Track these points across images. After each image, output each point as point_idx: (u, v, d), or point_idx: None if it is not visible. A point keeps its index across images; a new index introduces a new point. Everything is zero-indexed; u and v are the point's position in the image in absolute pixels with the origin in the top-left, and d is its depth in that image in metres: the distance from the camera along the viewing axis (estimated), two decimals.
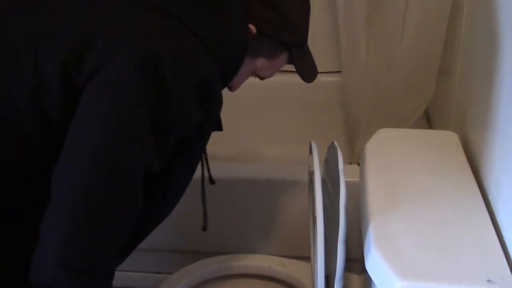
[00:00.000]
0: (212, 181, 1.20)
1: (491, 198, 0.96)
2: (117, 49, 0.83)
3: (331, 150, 1.09)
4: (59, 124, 0.84)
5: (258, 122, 2.04)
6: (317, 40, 1.82)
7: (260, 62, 1.03)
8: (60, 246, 0.79)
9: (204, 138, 0.96)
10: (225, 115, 2.03)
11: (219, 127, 1.05)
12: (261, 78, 1.10)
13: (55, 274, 0.79)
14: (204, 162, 1.15)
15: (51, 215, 0.81)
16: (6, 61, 0.86)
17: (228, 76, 0.98)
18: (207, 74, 0.88)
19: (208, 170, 1.18)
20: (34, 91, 0.84)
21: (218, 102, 0.93)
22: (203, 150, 1.04)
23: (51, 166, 0.83)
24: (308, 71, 1.09)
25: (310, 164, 1.11)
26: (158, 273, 1.59)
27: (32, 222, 0.83)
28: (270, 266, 1.32)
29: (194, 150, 0.95)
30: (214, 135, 2.08)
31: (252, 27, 0.98)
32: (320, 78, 1.89)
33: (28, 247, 0.82)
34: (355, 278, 1.26)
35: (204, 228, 1.23)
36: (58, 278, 0.79)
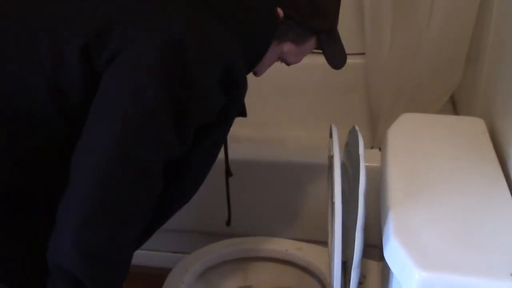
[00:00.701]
0: (230, 173, 1.19)
1: None
2: (139, 32, 0.82)
3: (352, 135, 1.07)
4: (79, 109, 0.83)
5: (280, 105, 2.02)
6: (340, 19, 1.78)
7: (287, 47, 1.00)
8: (77, 230, 0.79)
9: (227, 124, 0.94)
10: (246, 97, 2.02)
11: (243, 113, 1.03)
12: (288, 64, 1.06)
13: (71, 258, 0.79)
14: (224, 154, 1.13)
15: (69, 199, 0.80)
16: (27, 45, 0.84)
17: (254, 61, 0.95)
18: (232, 59, 0.86)
19: (227, 163, 1.16)
20: (55, 76, 0.82)
21: (243, 88, 0.91)
22: (226, 136, 1.01)
23: (70, 150, 0.82)
24: (336, 58, 1.05)
25: (330, 148, 1.08)
26: (175, 252, 1.59)
27: (51, 206, 0.83)
28: (286, 250, 1.31)
29: (216, 136, 0.93)
30: (237, 119, 2.07)
31: (280, 10, 0.95)
32: None
33: (45, 230, 0.82)
34: (373, 265, 1.24)
35: (228, 223, 1.22)
36: (74, 262, 0.79)
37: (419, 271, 0.75)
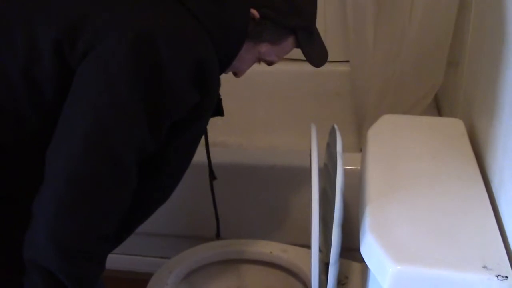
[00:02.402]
0: (213, 176, 1.20)
1: (493, 186, 0.94)
2: (111, 28, 0.83)
3: (332, 134, 1.08)
4: (53, 104, 0.84)
5: (267, 111, 2.03)
6: (327, 29, 1.81)
7: (265, 47, 1.00)
8: (50, 225, 0.79)
9: (201, 121, 0.94)
10: (234, 103, 2.04)
11: (220, 112, 1.04)
12: (269, 64, 1.07)
13: (46, 252, 0.80)
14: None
15: (42, 195, 0.81)
16: (2, 38, 0.85)
17: (226, 60, 0.96)
18: (204, 55, 0.87)
19: (210, 166, 1.17)
20: (28, 66, 0.84)
21: (215, 84, 0.92)
22: (202, 134, 1.02)
23: (46, 146, 0.83)
24: (316, 56, 1.06)
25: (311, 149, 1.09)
26: (158, 257, 1.59)
27: (27, 201, 0.83)
28: (271, 252, 1.31)
29: (191, 134, 0.94)
30: (224, 123, 2.08)
31: (254, 11, 0.96)
32: (329, 67, 1.89)
33: (23, 226, 0.82)
34: (356, 266, 1.25)
35: (218, 235, 1.23)
36: (49, 257, 0.80)
37: (393, 265, 0.75)
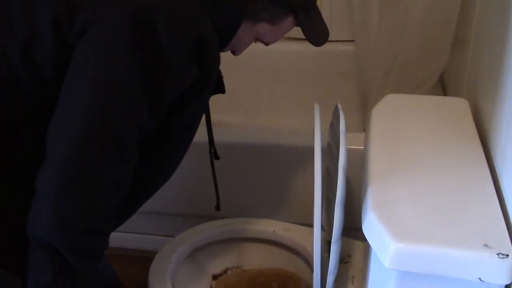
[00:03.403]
0: (216, 156, 1.20)
1: (496, 165, 0.94)
2: (109, 5, 0.83)
3: (335, 114, 1.08)
4: (53, 82, 0.84)
5: (272, 92, 2.02)
6: (332, 8, 1.79)
7: (263, 27, 1.00)
8: (52, 201, 0.80)
9: (202, 98, 0.94)
10: (238, 83, 2.03)
11: (221, 89, 1.03)
12: (266, 44, 1.06)
13: (49, 228, 0.80)
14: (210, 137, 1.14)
15: (44, 171, 0.82)
16: (1, 20, 0.85)
17: (224, 39, 0.96)
18: (203, 31, 0.87)
19: (213, 145, 1.17)
20: (27, 45, 0.84)
21: (215, 61, 0.92)
22: (203, 112, 1.02)
23: (47, 123, 0.83)
24: (316, 35, 1.05)
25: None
26: (163, 235, 1.60)
27: (30, 178, 0.84)
28: (274, 231, 1.32)
29: (192, 111, 0.94)
30: (228, 103, 2.07)
31: None
32: (334, 47, 1.89)
33: (26, 202, 0.83)
34: (359, 245, 1.26)
35: (217, 207, 1.24)
36: (52, 232, 0.80)
37: (395, 243, 0.76)
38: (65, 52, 0.83)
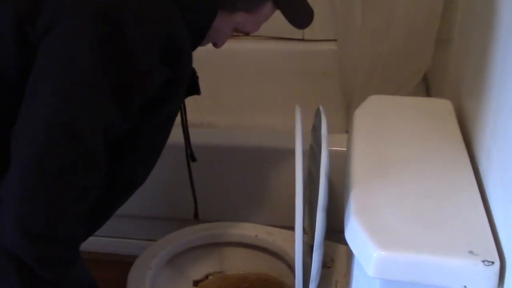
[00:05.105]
0: (193, 158, 1.17)
1: (481, 168, 0.92)
2: (73, 4, 0.79)
3: (317, 116, 1.05)
4: (17, 85, 0.81)
5: (254, 91, 2.01)
6: (315, 7, 1.77)
7: (240, 17, 0.97)
8: (16, 210, 0.77)
9: (174, 99, 0.91)
10: (222, 84, 2.00)
11: (196, 91, 1.00)
12: (247, 34, 1.02)
13: (14, 238, 0.77)
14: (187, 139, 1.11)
15: (8, 179, 0.78)
16: None
17: (199, 33, 0.93)
18: (172, 29, 0.84)
19: (190, 147, 1.14)
20: None
21: (186, 60, 0.89)
22: (176, 114, 0.99)
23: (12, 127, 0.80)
24: (298, 17, 1.01)
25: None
26: (143, 239, 1.57)
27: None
28: (256, 235, 1.30)
29: (164, 113, 0.91)
30: (210, 104, 2.05)
31: None
32: (316, 46, 1.87)
33: None
34: (342, 249, 1.24)
35: (196, 216, 1.21)
36: (16, 242, 0.77)
37: (378, 251, 0.73)
38: (29, 53, 0.80)
